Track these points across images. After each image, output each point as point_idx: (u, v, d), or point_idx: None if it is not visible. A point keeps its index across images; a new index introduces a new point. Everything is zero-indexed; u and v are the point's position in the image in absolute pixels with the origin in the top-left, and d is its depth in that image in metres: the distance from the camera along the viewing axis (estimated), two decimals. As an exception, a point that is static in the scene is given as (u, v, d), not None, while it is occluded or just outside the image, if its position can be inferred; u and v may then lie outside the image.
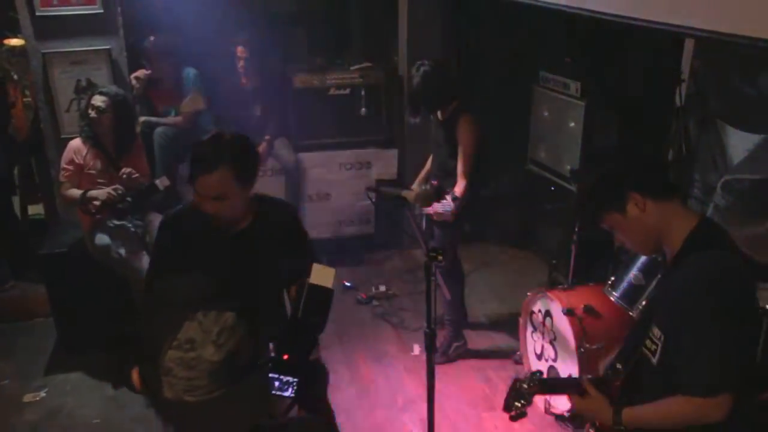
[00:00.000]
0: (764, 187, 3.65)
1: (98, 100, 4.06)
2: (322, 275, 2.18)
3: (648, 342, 2.06)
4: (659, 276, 3.33)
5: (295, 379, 1.93)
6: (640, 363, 2.11)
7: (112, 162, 4.14)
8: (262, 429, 1.88)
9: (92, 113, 4.06)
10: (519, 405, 2.30)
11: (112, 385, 4.17)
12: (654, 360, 2.03)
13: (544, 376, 2.37)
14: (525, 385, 2.29)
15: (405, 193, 3.59)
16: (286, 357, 1.97)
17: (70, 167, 4.13)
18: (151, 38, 4.90)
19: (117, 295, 4.21)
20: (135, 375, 2.37)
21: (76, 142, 4.17)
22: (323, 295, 2.16)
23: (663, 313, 2.02)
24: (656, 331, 2.02)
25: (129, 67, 4.92)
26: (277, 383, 1.93)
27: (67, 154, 4.16)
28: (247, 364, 1.91)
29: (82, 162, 4.12)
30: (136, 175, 4.09)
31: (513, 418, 2.34)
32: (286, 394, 1.93)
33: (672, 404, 1.94)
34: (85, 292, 4.37)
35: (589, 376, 2.23)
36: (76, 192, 4.07)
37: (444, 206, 3.85)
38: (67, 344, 4.50)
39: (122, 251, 4.12)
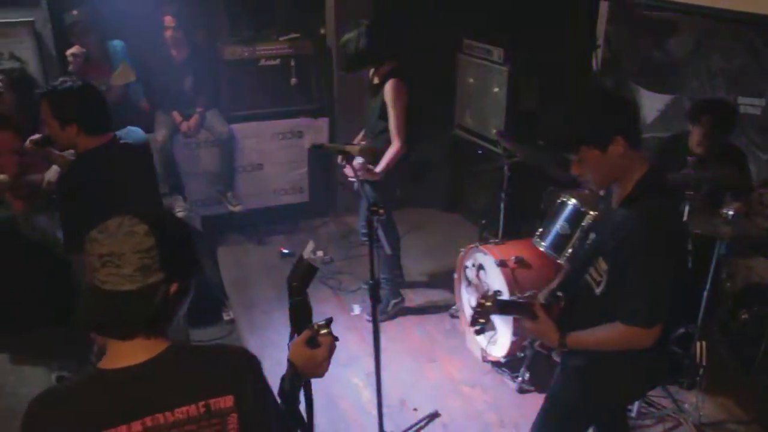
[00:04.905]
0: (675, 142, 3.92)
1: None
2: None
3: (593, 273, 2.28)
4: (583, 225, 3.58)
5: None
6: (581, 292, 2.33)
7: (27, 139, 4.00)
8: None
9: None
10: (482, 321, 2.52)
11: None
12: (597, 290, 2.25)
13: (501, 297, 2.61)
14: (488, 303, 2.48)
15: (349, 147, 3.65)
16: None
17: None
18: (74, 12, 4.77)
19: (54, 272, 4.16)
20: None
21: None
22: None
23: (611, 248, 2.20)
24: (602, 264, 2.22)
25: (55, 39, 4.82)
26: None
27: None
28: None
29: None
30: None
31: (477, 333, 2.68)
32: None
33: (612, 331, 2.17)
34: (20, 271, 4.30)
35: (541, 302, 2.44)
36: (3, 177, 3.94)
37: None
38: (5, 324, 4.43)
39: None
